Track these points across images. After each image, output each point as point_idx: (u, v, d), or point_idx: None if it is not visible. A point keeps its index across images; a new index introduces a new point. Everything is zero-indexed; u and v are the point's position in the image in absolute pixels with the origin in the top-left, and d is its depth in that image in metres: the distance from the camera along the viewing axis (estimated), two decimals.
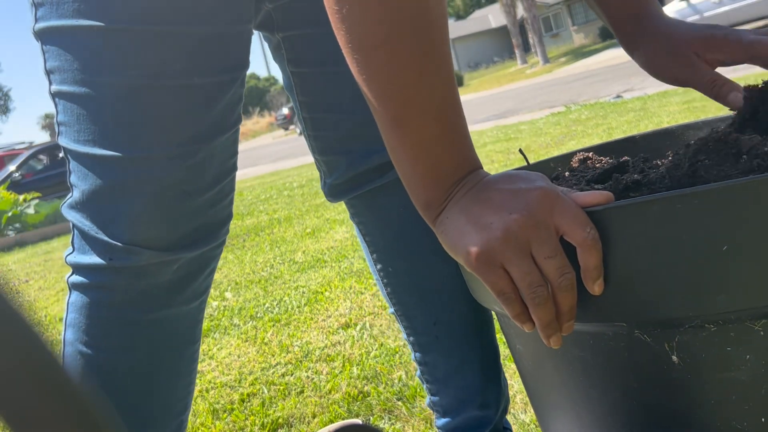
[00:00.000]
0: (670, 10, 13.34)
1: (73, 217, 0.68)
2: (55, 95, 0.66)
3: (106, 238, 0.66)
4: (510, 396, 1.18)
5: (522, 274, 0.47)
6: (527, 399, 1.16)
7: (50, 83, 0.66)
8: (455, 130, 0.52)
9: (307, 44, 0.79)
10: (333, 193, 0.87)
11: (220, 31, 0.66)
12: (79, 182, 0.66)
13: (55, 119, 0.68)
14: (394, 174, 0.81)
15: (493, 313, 0.74)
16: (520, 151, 0.77)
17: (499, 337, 1.44)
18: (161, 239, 0.67)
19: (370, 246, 0.90)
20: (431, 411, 0.94)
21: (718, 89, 0.67)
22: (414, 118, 0.50)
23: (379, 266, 0.89)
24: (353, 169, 0.83)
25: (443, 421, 0.90)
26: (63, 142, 0.67)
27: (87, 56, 0.63)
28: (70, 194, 0.68)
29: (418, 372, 0.92)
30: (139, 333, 0.70)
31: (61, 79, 0.64)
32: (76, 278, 0.70)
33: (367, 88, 0.52)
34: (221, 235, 0.73)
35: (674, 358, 0.47)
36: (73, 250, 0.70)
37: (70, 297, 0.71)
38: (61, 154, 0.69)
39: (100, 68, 0.63)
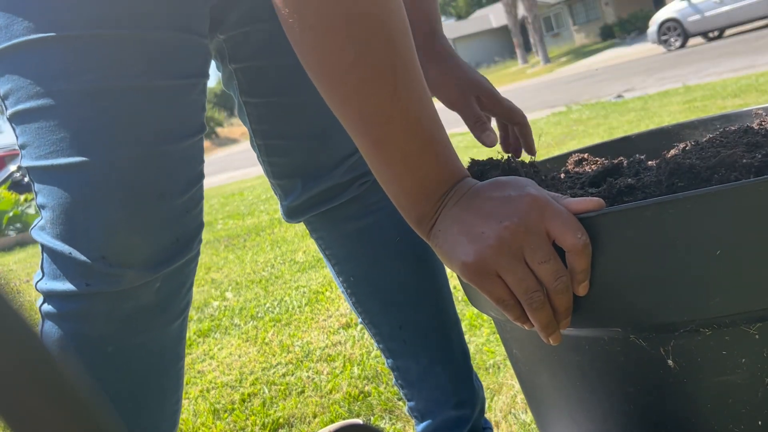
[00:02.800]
0: (670, 10, 13.32)
1: (44, 238, 0.63)
2: (11, 119, 0.63)
3: (81, 257, 0.61)
4: (510, 396, 1.19)
5: (517, 281, 0.48)
6: None
7: (5, 109, 0.64)
8: (437, 142, 0.52)
9: (259, 75, 0.80)
10: (290, 214, 0.89)
11: (176, 36, 0.65)
12: (47, 199, 0.62)
13: (17, 145, 0.64)
14: (347, 195, 0.86)
15: (490, 318, 0.74)
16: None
17: (498, 338, 1.44)
18: (139, 252, 0.63)
19: (331, 259, 0.92)
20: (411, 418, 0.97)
21: (479, 126, 0.83)
22: (394, 136, 0.51)
23: (341, 278, 0.92)
24: (307, 192, 0.85)
25: (422, 425, 0.92)
26: (26, 163, 0.63)
27: (41, 67, 0.60)
28: (39, 217, 0.64)
29: (393, 379, 0.94)
30: (123, 360, 0.66)
31: (16, 99, 0.62)
32: (49, 307, 0.65)
33: (342, 114, 0.52)
34: (195, 245, 0.70)
35: (670, 362, 0.47)
36: (43, 276, 0.65)
37: (43, 326, 0.65)
38: None
39: (56, 76, 0.60)
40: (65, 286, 0.63)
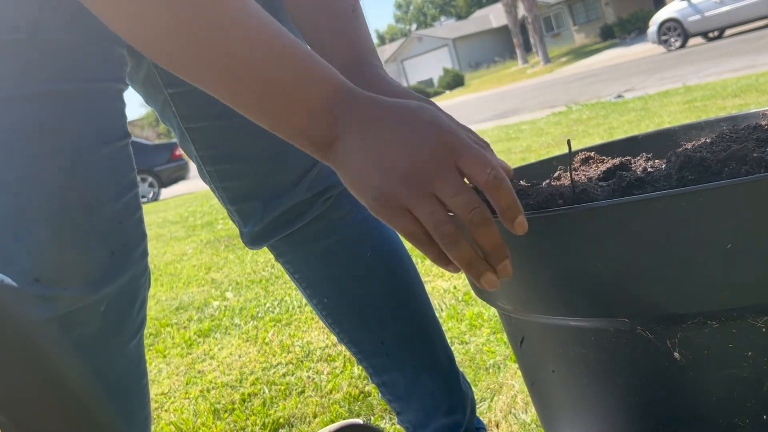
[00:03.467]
0: (670, 10, 13.33)
1: None
2: None
3: (13, 283, 0.56)
4: (511, 396, 1.18)
5: (427, 215, 0.45)
6: (528, 399, 1.16)
7: None
8: (303, 61, 0.48)
9: (198, 99, 0.74)
10: (253, 240, 0.84)
11: (85, 41, 0.61)
12: None
13: None
14: (311, 214, 0.81)
15: (496, 310, 0.73)
16: (568, 142, 0.76)
17: (501, 337, 1.44)
18: (74, 270, 0.59)
19: (301, 282, 0.88)
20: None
21: None
22: (259, 74, 0.47)
23: (315, 300, 0.88)
24: (269, 214, 0.80)
25: None
26: None
27: None
28: None
29: (380, 394, 0.92)
30: (80, 390, 0.62)
31: None
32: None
33: (208, 83, 0.49)
34: (137, 258, 0.66)
35: (676, 354, 0.47)
36: None
37: None
38: None
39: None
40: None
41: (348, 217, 0.84)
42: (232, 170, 0.79)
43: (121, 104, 0.66)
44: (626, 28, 25.90)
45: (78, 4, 0.58)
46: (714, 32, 13.53)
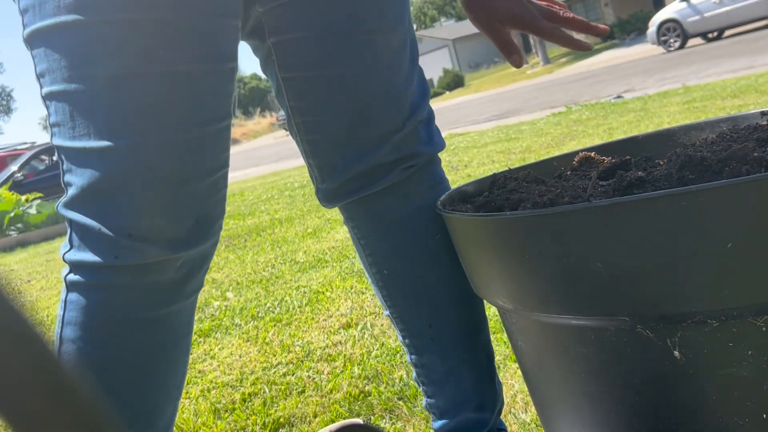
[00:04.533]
0: (669, 11, 13.34)
1: (72, 214, 0.67)
2: (46, 98, 0.66)
3: (109, 233, 0.65)
4: (511, 396, 1.18)
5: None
6: (528, 398, 1.16)
7: (41, 87, 0.67)
8: None
9: (296, 48, 0.78)
10: (328, 198, 0.85)
11: (205, 21, 0.66)
12: (77, 179, 0.66)
13: (47, 123, 0.68)
14: (390, 180, 0.81)
15: (496, 310, 0.74)
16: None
17: (501, 337, 1.44)
18: (164, 232, 0.66)
19: (366, 249, 0.88)
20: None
21: (506, 50, 0.84)
22: None
23: (374, 269, 0.88)
24: (347, 173, 0.81)
25: (440, 423, 0.90)
26: (57, 142, 0.67)
27: (73, 51, 0.63)
28: (65, 194, 0.68)
29: (414, 374, 0.92)
30: (143, 330, 0.70)
31: (51, 79, 0.65)
32: (76, 277, 0.68)
33: None
34: (217, 230, 0.73)
35: (676, 353, 0.47)
36: (71, 248, 0.69)
37: (67, 295, 0.69)
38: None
39: (87, 61, 0.62)
40: (94, 257, 0.66)
41: (426, 193, 0.84)
42: (319, 123, 0.81)
43: (230, 83, 0.70)
44: (626, 29, 25.90)
45: None
46: (713, 33, 13.53)
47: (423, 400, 0.93)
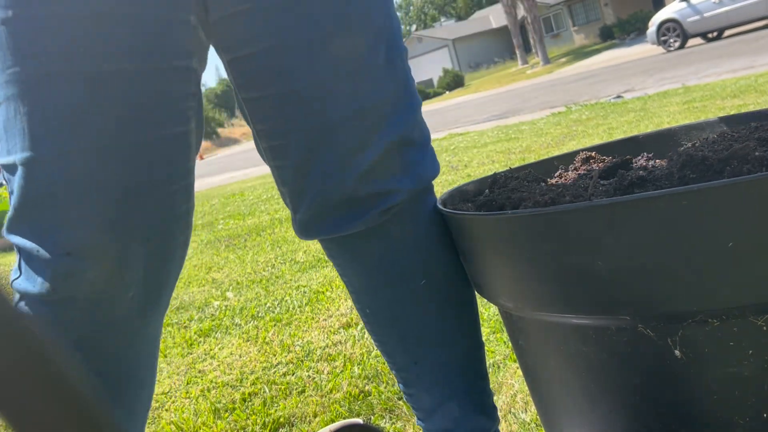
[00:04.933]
0: (669, 11, 13.34)
1: (13, 238, 0.60)
2: None
3: (46, 254, 0.57)
4: (511, 395, 1.18)
5: None
6: (528, 398, 1.16)
7: None
8: None
9: (250, 66, 0.68)
10: (302, 230, 0.76)
11: (143, 13, 0.58)
12: (13, 197, 0.58)
13: None
14: (365, 223, 0.72)
15: (496, 310, 0.74)
16: None
17: (501, 336, 1.44)
18: (106, 251, 0.59)
19: (349, 287, 0.83)
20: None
21: None
22: None
23: (358, 305, 0.83)
24: (317, 203, 0.72)
25: None
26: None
27: (5, 49, 0.56)
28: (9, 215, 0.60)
29: (405, 398, 0.88)
30: (100, 366, 0.62)
31: None
32: (25, 308, 0.60)
33: None
34: (178, 255, 0.65)
35: (677, 352, 0.47)
36: (20, 275, 0.61)
37: None
38: None
39: (13, 61, 0.56)
40: (38, 287, 0.59)
41: (408, 236, 0.75)
42: (282, 147, 0.72)
43: (181, 85, 0.62)
44: (625, 29, 25.91)
45: None
46: (713, 33, 13.54)
47: (408, 408, 0.92)
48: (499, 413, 1.14)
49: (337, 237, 0.76)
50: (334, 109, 0.68)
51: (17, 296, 0.61)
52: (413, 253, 0.76)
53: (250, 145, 29.24)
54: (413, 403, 0.86)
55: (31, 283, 0.59)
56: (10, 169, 0.58)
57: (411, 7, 62.77)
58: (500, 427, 1.10)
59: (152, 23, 0.59)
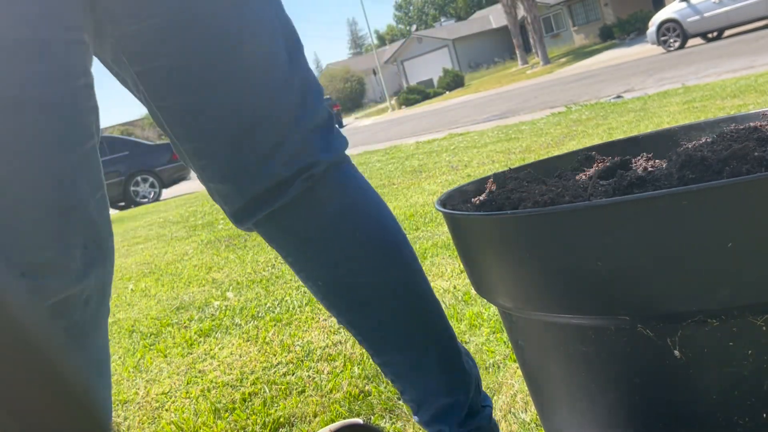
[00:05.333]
0: (669, 11, 13.34)
1: None
2: None
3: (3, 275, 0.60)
4: (510, 395, 1.18)
5: None
6: (528, 398, 1.16)
7: None
8: None
9: (159, 77, 0.72)
10: (237, 219, 0.81)
11: (40, 34, 0.60)
12: None
13: None
14: (291, 193, 0.77)
15: (496, 310, 0.74)
16: None
17: (501, 336, 1.44)
18: (58, 264, 0.62)
19: (295, 266, 0.85)
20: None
21: None
22: None
23: (309, 283, 0.85)
24: (246, 193, 0.77)
25: (419, 415, 0.89)
26: None
27: None
28: None
29: (383, 374, 0.90)
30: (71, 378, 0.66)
31: None
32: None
33: None
34: (110, 251, 0.69)
35: (676, 352, 0.47)
36: None
37: None
38: None
39: None
40: None
41: (334, 198, 0.80)
42: (203, 148, 0.76)
43: (87, 103, 0.65)
44: (625, 29, 25.90)
45: None
46: (713, 33, 13.54)
47: (395, 419, 0.93)
48: (499, 413, 1.14)
49: (269, 215, 0.80)
50: (250, 114, 0.74)
51: None
52: (344, 211, 0.81)
53: None
54: (391, 374, 0.88)
55: None
56: None
57: (411, 7, 62.74)
58: (500, 427, 1.10)
59: (49, 43, 0.61)
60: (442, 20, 50.83)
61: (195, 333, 2.05)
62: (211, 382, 1.60)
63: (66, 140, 0.62)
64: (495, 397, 1.19)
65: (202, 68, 0.71)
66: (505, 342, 1.41)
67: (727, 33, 14.01)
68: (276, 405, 1.39)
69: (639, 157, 0.72)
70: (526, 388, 0.92)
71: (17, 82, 0.58)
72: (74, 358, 0.66)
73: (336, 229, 0.81)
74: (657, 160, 0.70)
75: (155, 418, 1.49)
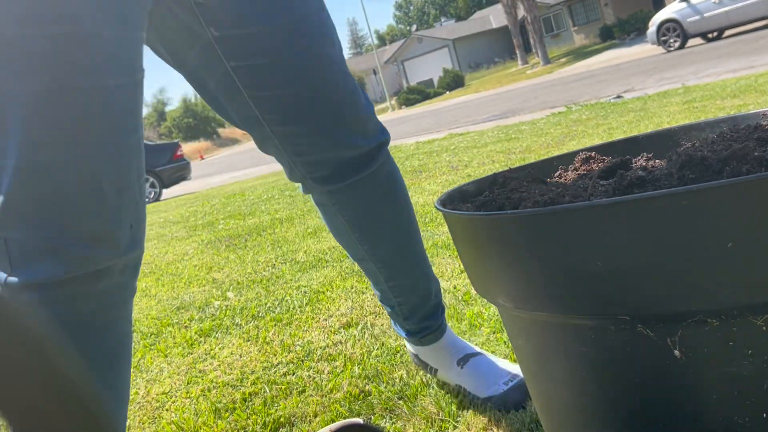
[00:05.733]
0: (669, 11, 13.34)
1: (10, 233, 0.65)
2: None
3: (58, 245, 0.65)
4: None
5: None
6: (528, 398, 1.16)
7: None
8: None
9: (260, 71, 0.85)
10: (317, 185, 0.98)
11: (120, 34, 0.67)
12: (9, 198, 0.64)
13: None
14: (376, 163, 0.97)
15: (496, 310, 0.74)
16: None
17: (501, 336, 1.44)
18: (111, 238, 0.69)
19: (352, 222, 1.04)
20: (403, 338, 1.25)
21: None
22: None
23: (357, 233, 1.06)
24: (336, 164, 0.94)
25: (410, 318, 1.17)
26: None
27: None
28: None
29: (381, 297, 1.17)
30: (97, 337, 0.72)
31: None
32: (26, 297, 0.66)
33: None
34: (143, 235, 0.77)
35: (676, 352, 0.47)
36: (12, 270, 0.66)
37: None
38: None
39: (14, 77, 0.62)
40: (44, 275, 0.66)
41: (393, 172, 1.05)
42: (299, 130, 0.91)
43: (142, 94, 0.73)
44: (625, 29, 25.90)
45: None
46: (713, 33, 13.54)
47: (387, 311, 1.21)
48: (498, 413, 1.14)
49: (351, 183, 0.99)
50: (338, 96, 0.91)
51: (12, 292, 0.67)
52: (392, 174, 1.04)
53: (251, 145, 29.20)
54: (397, 291, 1.14)
55: (35, 273, 0.66)
56: (13, 170, 0.64)
57: (411, 7, 62.73)
58: (501, 426, 1.10)
59: (126, 42, 0.69)
60: (443, 20, 50.83)
61: (195, 333, 2.05)
62: (212, 381, 1.61)
63: (127, 126, 0.70)
64: None
65: (299, 63, 0.86)
66: (505, 342, 1.41)
67: (727, 33, 14.01)
68: (276, 405, 1.39)
69: (639, 157, 0.72)
70: (526, 387, 0.92)
71: (96, 71, 0.65)
72: (94, 343, 0.73)
73: (389, 187, 1.04)
74: (657, 160, 0.70)
75: (155, 417, 1.49)
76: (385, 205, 1.04)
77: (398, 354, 1.50)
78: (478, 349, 1.25)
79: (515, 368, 1.18)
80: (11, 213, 0.65)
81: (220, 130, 57.11)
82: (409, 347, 1.28)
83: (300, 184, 1.03)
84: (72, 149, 0.64)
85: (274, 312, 2.09)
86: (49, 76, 0.62)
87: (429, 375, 1.26)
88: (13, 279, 0.66)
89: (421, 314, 1.17)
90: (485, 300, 0.85)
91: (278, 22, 0.83)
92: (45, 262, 0.66)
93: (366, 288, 2.11)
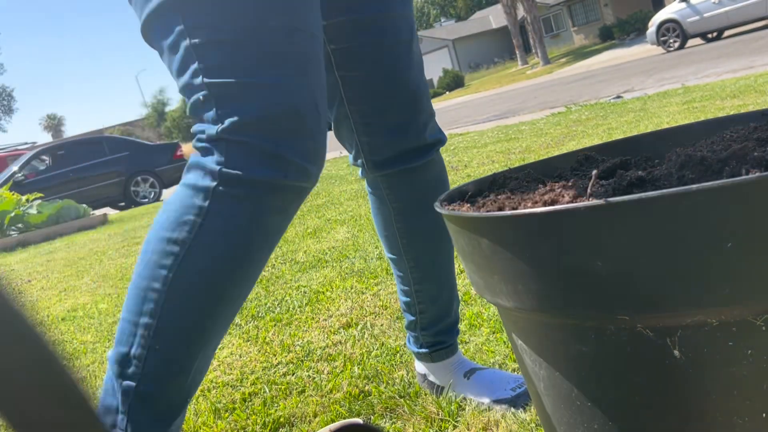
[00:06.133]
0: (669, 11, 13.35)
1: (241, 137, 0.75)
2: (200, 46, 0.75)
3: (285, 155, 0.76)
4: None
5: None
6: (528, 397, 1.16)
7: (191, 39, 0.75)
8: None
9: (359, 80, 1.02)
10: (376, 167, 1.10)
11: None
12: (245, 109, 0.75)
13: (193, 68, 0.76)
14: (428, 156, 1.10)
15: (496, 310, 0.74)
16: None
17: (501, 336, 1.44)
18: (320, 156, 0.80)
19: (396, 210, 1.14)
20: (412, 350, 1.27)
21: None
22: None
23: (399, 225, 1.15)
24: (399, 149, 1.07)
25: (427, 329, 1.22)
26: (212, 80, 0.75)
27: (246, 8, 0.74)
28: (221, 122, 0.75)
29: (405, 303, 1.22)
30: (272, 234, 0.81)
31: (212, 31, 0.74)
32: (229, 190, 0.76)
33: None
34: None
35: (676, 352, 0.47)
36: (228, 163, 0.76)
37: (210, 205, 0.76)
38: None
39: (261, 16, 0.75)
40: (263, 175, 0.76)
41: (440, 165, 1.15)
42: (380, 120, 1.05)
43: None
44: (625, 29, 25.92)
45: None
46: (713, 33, 13.55)
47: (406, 323, 1.24)
48: (498, 413, 1.14)
49: (404, 170, 1.10)
50: (418, 88, 1.06)
51: (211, 180, 0.77)
52: (440, 175, 1.15)
53: None
54: (421, 297, 1.20)
55: (254, 172, 0.76)
56: (239, 88, 0.75)
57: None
58: (500, 426, 1.10)
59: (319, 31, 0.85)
60: (442, 20, 50.83)
61: None
62: (212, 382, 1.61)
63: (325, 68, 0.85)
64: None
65: (392, 68, 1.02)
66: (505, 342, 1.41)
67: (726, 33, 14.01)
68: (276, 405, 1.39)
69: (639, 157, 0.72)
70: (526, 387, 0.92)
71: (318, 24, 0.81)
72: (267, 251, 0.85)
73: (434, 185, 1.14)
74: (657, 160, 0.70)
75: None
76: (430, 201, 1.11)
77: (398, 354, 1.50)
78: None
79: (522, 378, 1.19)
80: (244, 122, 0.75)
81: None
82: (418, 368, 1.30)
83: (360, 168, 1.14)
84: (299, 75, 0.76)
85: (273, 312, 2.09)
86: (289, 17, 0.76)
87: (434, 395, 1.26)
88: (228, 170, 0.75)
89: (439, 327, 1.22)
90: (485, 300, 0.85)
91: (376, 36, 1.00)
92: (270, 166, 0.76)
93: (366, 288, 2.11)
